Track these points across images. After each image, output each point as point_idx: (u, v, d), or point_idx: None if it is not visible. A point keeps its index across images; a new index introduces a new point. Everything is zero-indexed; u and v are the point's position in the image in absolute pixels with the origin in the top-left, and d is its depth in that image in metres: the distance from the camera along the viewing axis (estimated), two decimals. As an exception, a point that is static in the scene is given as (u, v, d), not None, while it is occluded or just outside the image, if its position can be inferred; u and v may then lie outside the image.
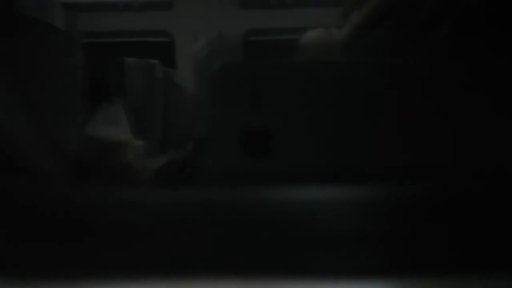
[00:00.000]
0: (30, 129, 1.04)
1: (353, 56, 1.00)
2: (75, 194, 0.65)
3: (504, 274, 0.58)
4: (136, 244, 0.60)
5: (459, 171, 0.70)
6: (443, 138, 0.71)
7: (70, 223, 0.61)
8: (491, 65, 0.72)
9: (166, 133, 2.18)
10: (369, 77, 0.72)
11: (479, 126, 0.71)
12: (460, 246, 0.59)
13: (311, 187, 0.63)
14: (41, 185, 0.72)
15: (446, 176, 0.69)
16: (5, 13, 1.12)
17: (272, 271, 0.58)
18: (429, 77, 0.73)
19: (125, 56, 2.15)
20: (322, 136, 0.71)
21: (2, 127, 0.94)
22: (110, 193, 0.66)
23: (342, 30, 1.07)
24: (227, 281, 0.57)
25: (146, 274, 0.58)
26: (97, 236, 0.60)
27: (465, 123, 0.71)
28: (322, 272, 0.58)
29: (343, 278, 0.57)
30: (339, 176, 0.70)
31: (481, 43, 0.77)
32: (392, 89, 0.72)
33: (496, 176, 0.68)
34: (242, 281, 0.57)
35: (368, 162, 0.71)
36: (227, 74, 0.72)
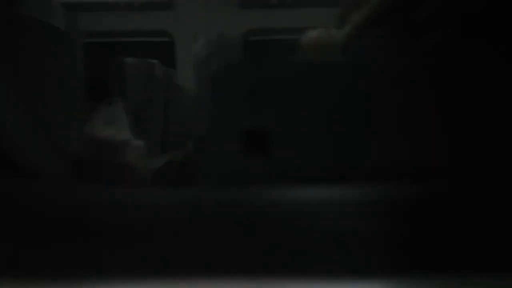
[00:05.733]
0: (30, 129, 1.04)
1: (353, 56, 1.00)
2: (75, 194, 0.65)
3: (504, 274, 0.58)
4: (136, 244, 0.60)
5: (458, 171, 0.70)
6: (443, 138, 0.71)
7: (70, 223, 0.61)
8: (491, 65, 0.72)
9: (166, 133, 2.18)
10: (369, 77, 0.72)
11: (479, 126, 0.71)
12: (460, 246, 0.59)
13: (311, 187, 0.63)
14: (41, 185, 0.72)
15: (446, 176, 0.69)
16: (5, 13, 1.12)
17: (272, 271, 0.58)
18: (429, 77, 0.73)
19: (125, 56, 2.15)
20: (321, 136, 0.71)
21: (2, 127, 0.95)
22: (110, 193, 0.66)
23: (342, 30, 1.07)
24: (227, 281, 0.57)
25: (146, 274, 0.58)
26: (97, 235, 0.60)
27: (465, 123, 0.71)
28: (322, 272, 0.58)
29: (343, 278, 0.57)
30: (339, 176, 0.70)
31: (481, 43, 0.77)
32: (391, 89, 0.72)
33: (496, 176, 0.68)
34: (242, 281, 0.57)
35: (368, 162, 0.71)
36: (227, 74, 0.72)
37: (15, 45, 1.10)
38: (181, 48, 2.39)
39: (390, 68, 0.73)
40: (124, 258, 0.59)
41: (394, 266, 0.58)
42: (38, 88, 1.16)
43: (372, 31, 0.96)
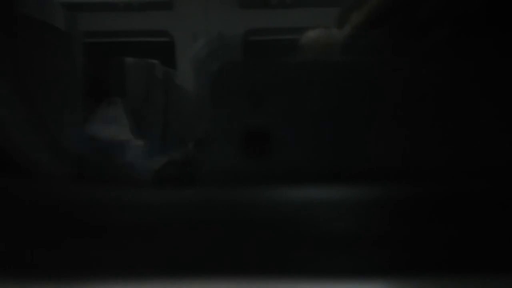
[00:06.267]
0: (30, 129, 1.04)
1: (353, 56, 1.00)
2: (75, 194, 0.65)
3: (504, 274, 0.58)
4: (136, 244, 0.60)
5: (459, 171, 0.70)
6: (443, 138, 0.71)
7: (70, 223, 0.61)
8: (492, 65, 0.72)
9: (166, 133, 2.18)
10: (369, 77, 0.72)
11: (479, 126, 0.71)
12: (459, 246, 0.59)
13: (311, 187, 0.63)
14: (41, 185, 0.72)
15: (446, 176, 0.69)
16: (5, 13, 1.12)
17: (272, 271, 0.58)
18: (429, 77, 0.73)
19: (125, 56, 2.15)
20: (322, 136, 0.71)
21: (2, 127, 0.94)
22: (110, 193, 0.66)
23: (342, 30, 1.07)
24: (227, 281, 0.57)
25: (146, 274, 0.58)
26: (97, 236, 0.60)
27: (465, 123, 0.71)
28: (322, 272, 0.58)
29: (343, 278, 0.57)
30: (339, 176, 0.70)
31: (481, 43, 0.77)
32: (392, 89, 0.72)
33: (495, 176, 0.68)
34: (242, 281, 0.57)
35: (368, 162, 0.71)
36: (227, 74, 0.72)
37: (15, 45, 1.10)
38: (181, 48, 2.38)
39: (390, 68, 0.73)
40: (124, 258, 0.59)
41: (393, 266, 0.58)
42: (38, 88, 1.16)
43: (372, 31, 0.96)
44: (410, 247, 0.59)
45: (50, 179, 0.99)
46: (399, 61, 0.76)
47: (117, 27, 2.41)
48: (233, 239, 0.59)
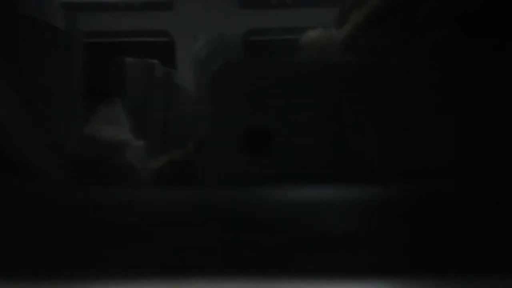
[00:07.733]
0: (30, 129, 1.04)
1: (353, 56, 1.00)
2: (75, 194, 0.65)
3: (504, 274, 0.58)
4: (136, 244, 0.60)
5: (459, 171, 0.70)
6: (444, 138, 0.71)
7: (70, 223, 0.61)
8: (493, 65, 0.72)
9: (166, 133, 2.18)
10: (369, 77, 0.72)
11: (480, 125, 0.71)
12: (460, 246, 0.59)
13: (311, 187, 0.63)
14: (41, 185, 0.72)
15: (446, 176, 0.69)
16: (6, 13, 1.12)
17: (272, 271, 0.58)
18: (429, 77, 0.73)
19: (125, 56, 2.15)
20: (322, 136, 0.71)
21: (2, 127, 0.94)
22: (110, 193, 0.66)
23: (342, 30, 1.07)
24: (227, 281, 0.57)
25: (146, 274, 0.58)
26: (97, 236, 0.60)
27: (466, 123, 0.71)
28: (322, 272, 0.58)
29: (343, 278, 0.57)
30: (339, 176, 0.70)
31: (483, 43, 0.77)
32: (392, 89, 0.72)
33: (496, 176, 0.68)
34: (242, 281, 0.57)
35: (368, 162, 0.71)
36: (228, 74, 0.72)
37: (14, 45, 1.10)
38: (181, 48, 2.38)
39: (391, 67, 0.73)
40: (124, 258, 0.59)
41: (394, 266, 0.58)
42: (38, 88, 1.16)
43: (372, 31, 0.96)
44: (410, 247, 0.59)
45: (49, 179, 0.99)
46: (399, 61, 0.76)
47: (117, 27, 2.41)
48: (233, 239, 0.59)
